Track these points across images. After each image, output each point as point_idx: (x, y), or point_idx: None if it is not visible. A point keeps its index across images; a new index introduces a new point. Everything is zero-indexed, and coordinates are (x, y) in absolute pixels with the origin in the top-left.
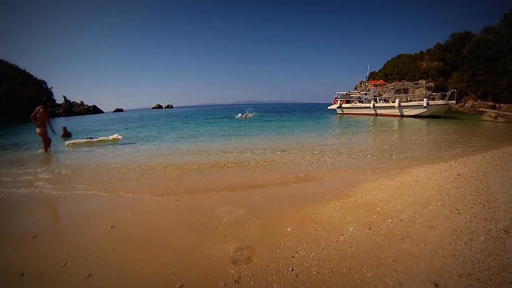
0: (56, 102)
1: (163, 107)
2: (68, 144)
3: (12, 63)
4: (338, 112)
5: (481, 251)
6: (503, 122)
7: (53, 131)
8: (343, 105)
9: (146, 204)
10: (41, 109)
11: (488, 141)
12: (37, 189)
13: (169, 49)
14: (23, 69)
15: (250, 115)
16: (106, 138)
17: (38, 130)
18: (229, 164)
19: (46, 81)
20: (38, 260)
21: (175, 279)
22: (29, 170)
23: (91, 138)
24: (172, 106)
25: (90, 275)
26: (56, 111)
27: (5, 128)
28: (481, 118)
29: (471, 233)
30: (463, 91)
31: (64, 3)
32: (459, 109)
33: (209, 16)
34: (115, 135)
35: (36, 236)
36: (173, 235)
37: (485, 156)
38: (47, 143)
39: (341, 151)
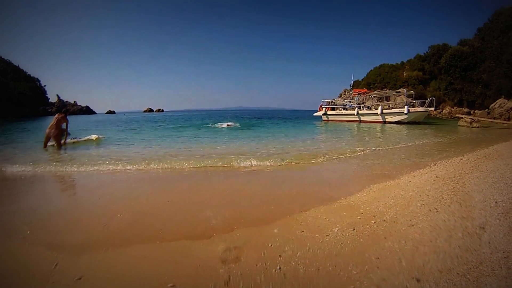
0: (50, 100)
1: (154, 110)
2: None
3: (5, 58)
4: (323, 118)
5: (459, 247)
6: (478, 127)
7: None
8: (328, 112)
9: (135, 204)
10: (61, 115)
11: (464, 144)
12: (25, 188)
13: (161, 54)
14: (17, 65)
15: (231, 124)
16: (89, 137)
17: (49, 130)
18: (213, 167)
19: (39, 78)
20: (28, 262)
21: (167, 279)
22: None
23: (76, 138)
24: (162, 110)
25: (81, 277)
26: (49, 110)
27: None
28: (458, 124)
29: (449, 231)
30: (441, 98)
31: (60, 3)
32: (437, 115)
33: (198, 17)
34: (96, 136)
35: (25, 236)
36: (163, 235)
37: (461, 159)
38: (58, 142)
39: (325, 155)
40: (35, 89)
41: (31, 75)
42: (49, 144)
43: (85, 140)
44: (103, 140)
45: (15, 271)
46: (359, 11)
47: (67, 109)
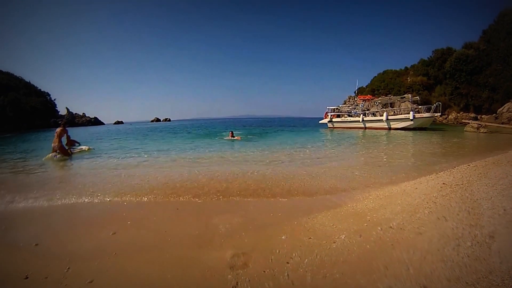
0: (59, 113)
1: (161, 120)
2: (51, 156)
3: (17, 75)
4: (329, 126)
5: (468, 256)
6: (485, 132)
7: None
8: (334, 119)
9: (145, 213)
10: (60, 128)
11: (471, 150)
12: (39, 196)
13: (167, 64)
14: (28, 81)
15: (237, 137)
16: (81, 148)
17: (53, 145)
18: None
19: (50, 92)
20: (42, 265)
21: (175, 284)
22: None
23: (71, 148)
24: (169, 119)
25: (92, 281)
26: (59, 122)
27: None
28: (464, 129)
29: (457, 239)
30: (446, 104)
31: (56, 8)
32: (443, 121)
33: (201, 26)
34: (88, 146)
35: (38, 244)
36: (172, 241)
37: (468, 165)
38: (63, 152)
39: (332, 163)
40: (46, 103)
41: (42, 90)
42: (51, 155)
43: (78, 151)
44: (93, 150)
45: (29, 273)
46: (360, 17)
47: (66, 121)
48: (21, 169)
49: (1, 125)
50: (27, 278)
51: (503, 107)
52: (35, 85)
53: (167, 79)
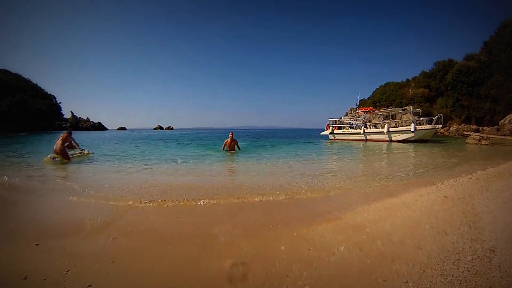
0: (64, 116)
1: (164, 128)
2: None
3: (25, 77)
4: (330, 137)
5: (468, 271)
6: (487, 144)
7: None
8: (335, 131)
9: (145, 218)
10: (65, 134)
11: (473, 163)
12: (41, 197)
13: (172, 73)
14: (35, 83)
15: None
16: (81, 153)
17: (55, 147)
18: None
19: (55, 95)
20: (41, 266)
21: None
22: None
23: (71, 153)
24: (172, 127)
25: (91, 285)
26: (64, 125)
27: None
28: (466, 141)
29: (458, 253)
30: (448, 115)
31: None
32: (444, 133)
33: (205, 39)
34: (87, 151)
35: (39, 244)
36: (172, 249)
37: (470, 178)
38: (64, 156)
39: (332, 174)
40: (52, 105)
41: (48, 92)
42: (49, 156)
43: (78, 155)
44: (93, 155)
45: (28, 274)
46: (362, 26)
47: (71, 127)
48: (22, 168)
49: (7, 125)
50: (26, 278)
51: (505, 118)
52: (42, 87)
53: (170, 86)
